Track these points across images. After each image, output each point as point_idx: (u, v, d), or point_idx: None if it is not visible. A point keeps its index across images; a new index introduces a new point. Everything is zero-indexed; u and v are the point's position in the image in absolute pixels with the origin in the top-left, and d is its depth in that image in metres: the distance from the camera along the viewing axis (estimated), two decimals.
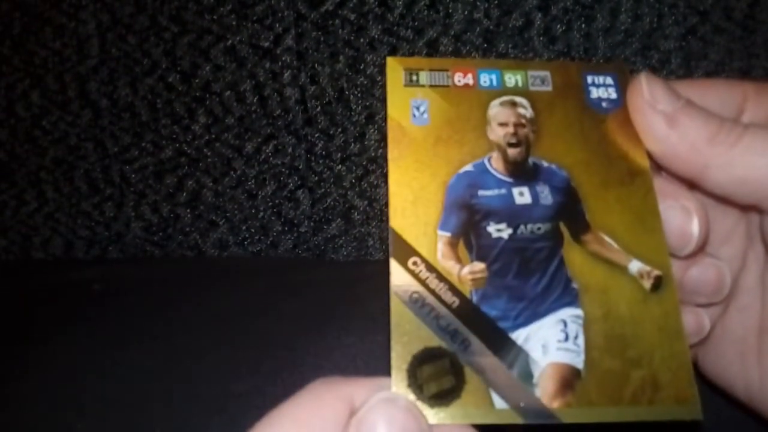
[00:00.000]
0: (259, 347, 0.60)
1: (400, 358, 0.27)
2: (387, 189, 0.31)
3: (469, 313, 0.29)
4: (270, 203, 0.76)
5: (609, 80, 0.34)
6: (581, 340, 0.29)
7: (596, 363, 0.28)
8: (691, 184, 0.32)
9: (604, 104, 0.33)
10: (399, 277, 0.29)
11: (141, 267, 0.77)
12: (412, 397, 0.26)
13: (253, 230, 0.77)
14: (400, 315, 0.28)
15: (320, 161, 0.74)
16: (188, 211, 0.77)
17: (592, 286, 0.30)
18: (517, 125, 0.33)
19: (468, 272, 0.30)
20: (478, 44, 0.71)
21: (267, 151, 0.74)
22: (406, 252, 0.30)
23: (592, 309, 0.29)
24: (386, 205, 0.32)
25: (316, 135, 0.73)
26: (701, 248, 0.31)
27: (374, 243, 0.76)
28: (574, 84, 0.34)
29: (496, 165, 0.33)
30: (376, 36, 0.69)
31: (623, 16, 0.69)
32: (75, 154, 0.76)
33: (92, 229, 0.78)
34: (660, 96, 0.30)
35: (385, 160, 0.33)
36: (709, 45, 0.69)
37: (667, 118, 0.30)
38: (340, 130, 0.73)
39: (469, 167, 0.32)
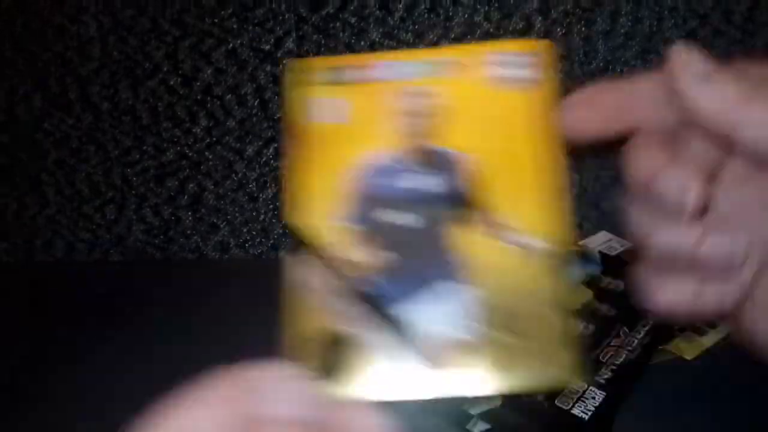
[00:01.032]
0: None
1: (295, 340, 0.29)
2: (287, 185, 0.32)
3: (367, 297, 0.30)
4: (271, 206, 0.76)
5: (517, 59, 0.33)
6: (475, 317, 0.30)
7: (483, 334, 0.30)
8: (727, 146, 0.31)
9: (512, 83, 0.33)
10: (295, 269, 0.30)
11: (142, 269, 0.77)
12: (318, 376, 0.27)
13: (254, 233, 0.78)
14: (295, 303, 0.30)
15: None
16: (189, 213, 0.77)
17: (483, 263, 0.31)
18: (422, 115, 0.32)
19: (369, 258, 0.31)
20: None
21: (268, 153, 0.74)
22: (304, 245, 0.31)
23: (485, 287, 0.31)
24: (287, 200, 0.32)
25: None
26: (697, 214, 0.31)
27: None
28: (481, 66, 0.33)
29: (400, 155, 0.33)
30: (377, 39, 0.70)
31: (623, 20, 0.69)
32: (76, 157, 0.76)
33: (94, 231, 0.79)
34: (695, 58, 0.31)
35: (288, 157, 0.33)
36: (709, 48, 0.69)
37: (704, 75, 0.30)
38: None
39: (372, 159, 0.32)
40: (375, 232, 0.32)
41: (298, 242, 0.31)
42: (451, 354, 0.30)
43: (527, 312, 0.30)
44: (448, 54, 0.33)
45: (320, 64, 0.33)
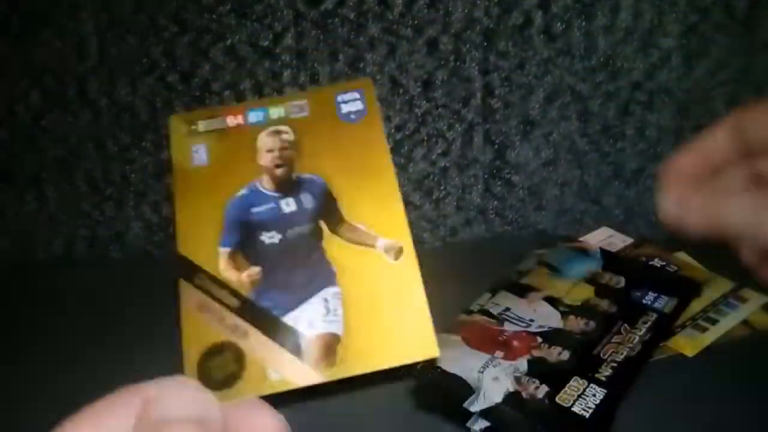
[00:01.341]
0: None
1: (190, 355, 0.34)
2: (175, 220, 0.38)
3: (248, 309, 0.36)
4: None
5: (356, 95, 0.40)
6: (340, 312, 0.36)
7: (352, 328, 0.35)
8: None
9: (353, 116, 0.40)
10: (187, 292, 0.36)
11: (142, 266, 0.77)
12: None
13: None
14: (189, 322, 0.35)
15: None
16: None
17: (347, 267, 0.37)
18: (281, 149, 0.40)
19: (246, 276, 0.37)
20: (478, 43, 0.70)
21: None
22: (193, 270, 0.37)
23: (347, 285, 0.37)
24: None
25: None
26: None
27: None
28: (327, 105, 0.41)
29: (266, 185, 0.40)
30: (376, 35, 0.69)
31: (623, 14, 0.69)
32: (75, 154, 0.76)
33: (93, 228, 0.78)
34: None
35: (172, 198, 0.39)
36: (710, 43, 0.69)
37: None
38: None
39: (243, 191, 0.39)
40: (251, 253, 0.38)
41: (188, 269, 0.37)
42: (323, 346, 0.36)
43: (385, 301, 0.36)
44: (301, 98, 0.41)
45: (198, 116, 0.41)
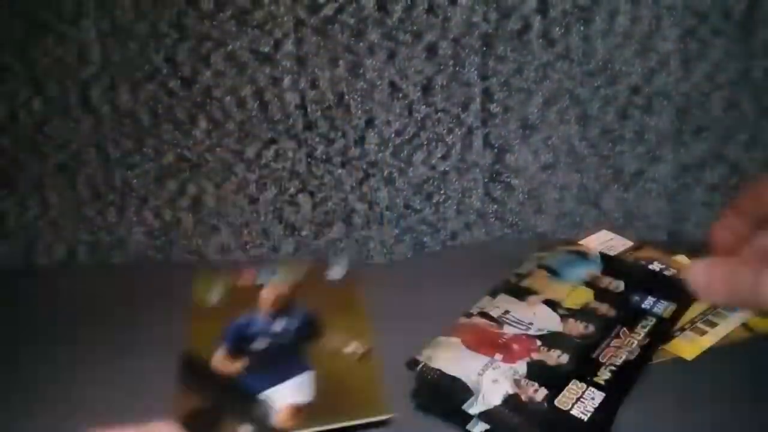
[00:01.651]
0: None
1: (179, 414, 0.49)
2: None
3: (234, 387, 0.56)
4: (271, 207, 0.76)
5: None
6: (311, 388, 0.55)
7: (319, 397, 0.53)
8: None
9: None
10: (192, 377, 0.57)
11: (143, 272, 0.78)
12: None
13: (254, 234, 0.78)
14: (185, 391, 0.54)
15: (320, 165, 0.74)
16: (190, 215, 0.77)
17: (320, 360, 0.57)
18: (278, 297, 0.65)
19: (237, 367, 0.58)
20: (477, 48, 0.71)
21: (268, 155, 0.74)
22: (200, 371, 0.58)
23: (319, 369, 0.56)
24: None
25: (317, 139, 0.73)
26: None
27: (375, 246, 0.76)
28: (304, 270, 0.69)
29: (262, 313, 0.63)
30: (376, 40, 0.70)
31: (621, 18, 0.69)
32: (77, 160, 0.76)
33: (95, 234, 0.79)
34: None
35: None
36: (708, 46, 0.69)
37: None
38: (340, 134, 0.73)
39: (245, 317, 0.63)
40: (244, 354, 0.59)
41: (195, 373, 0.57)
42: (293, 410, 0.53)
43: (352, 383, 0.55)
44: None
45: (215, 275, 0.65)
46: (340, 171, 0.74)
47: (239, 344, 0.60)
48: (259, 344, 0.60)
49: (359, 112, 0.72)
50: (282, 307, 0.64)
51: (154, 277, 0.76)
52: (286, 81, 0.71)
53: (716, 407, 0.51)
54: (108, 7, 0.71)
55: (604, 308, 0.60)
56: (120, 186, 0.77)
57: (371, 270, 0.75)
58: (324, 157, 0.74)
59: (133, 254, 0.79)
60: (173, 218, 0.77)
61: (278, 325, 0.62)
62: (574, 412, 0.49)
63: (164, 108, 0.74)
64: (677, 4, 0.68)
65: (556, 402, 0.50)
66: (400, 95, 0.72)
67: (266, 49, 0.71)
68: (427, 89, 0.72)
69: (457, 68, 0.71)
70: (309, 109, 0.72)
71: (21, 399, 0.60)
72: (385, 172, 0.74)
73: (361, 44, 0.70)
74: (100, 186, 0.77)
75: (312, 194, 0.75)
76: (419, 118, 0.73)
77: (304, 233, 0.77)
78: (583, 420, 0.49)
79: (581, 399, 0.50)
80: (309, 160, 0.74)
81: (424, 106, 0.73)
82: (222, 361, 0.59)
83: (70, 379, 0.62)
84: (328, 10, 0.69)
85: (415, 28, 0.70)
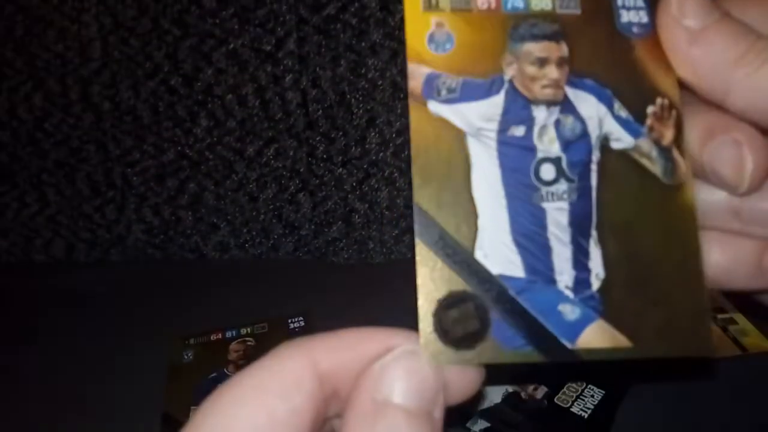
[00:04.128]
0: None
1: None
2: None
3: None
4: (271, 206, 0.76)
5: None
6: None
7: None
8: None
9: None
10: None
11: (142, 269, 0.77)
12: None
13: (254, 233, 0.78)
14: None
15: (321, 164, 0.74)
16: (189, 213, 0.77)
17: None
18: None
19: None
20: None
21: (268, 154, 0.74)
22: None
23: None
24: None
25: (317, 138, 0.73)
26: (758, 184, 0.28)
27: (375, 246, 0.76)
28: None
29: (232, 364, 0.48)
30: (378, 40, 0.70)
31: None
32: (77, 157, 0.76)
33: (94, 231, 0.79)
34: (689, 10, 0.28)
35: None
36: None
37: (691, 35, 0.27)
38: (341, 133, 0.73)
39: (213, 374, 0.47)
40: None
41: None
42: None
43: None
44: None
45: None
46: (340, 170, 0.74)
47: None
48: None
49: (360, 111, 0.72)
50: (248, 361, 0.60)
51: (153, 275, 0.76)
52: (288, 79, 0.71)
53: (716, 405, 0.51)
54: (110, 3, 0.71)
55: None
56: (120, 183, 0.77)
57: (371, 270, 0.75)
58: (324, 156, 0.74)
59: (131, 251, 0.79)
60: (173, 216, 0.77)
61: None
62: (574, 409, 0.49)
63: (165, 105, 0.74)
64: None
65: (556, 399, 0.50)
66: (402, 95, 0.72)
67: (268, 48, 0.71)
68: None
69: None
70: (310, 108, 0.72)
71: (18, 395, 0.60)
72: (386, 172, 0.74)
73: (363, 44, 0.70)
74: (100, 183, 0.77)
75: (312, 193, 0.75)
76: None
77: (303, 232, 0.77)
78: (583, 417, 0.49)
79: (581, 396, 0.50)
80: (309, 159, 0.74)
81: None
82: None
83: (67, 376, 0.61)
84: (330, 9, 0.69)
85: None
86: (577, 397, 0.50)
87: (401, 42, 0.70)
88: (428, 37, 0.30)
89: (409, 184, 0.74)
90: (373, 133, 0.73)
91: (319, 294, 0.69)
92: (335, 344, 0.25)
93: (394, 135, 0.73)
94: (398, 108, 0.72)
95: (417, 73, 0.29)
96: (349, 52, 0.70)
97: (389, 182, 0.75)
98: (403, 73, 0.71)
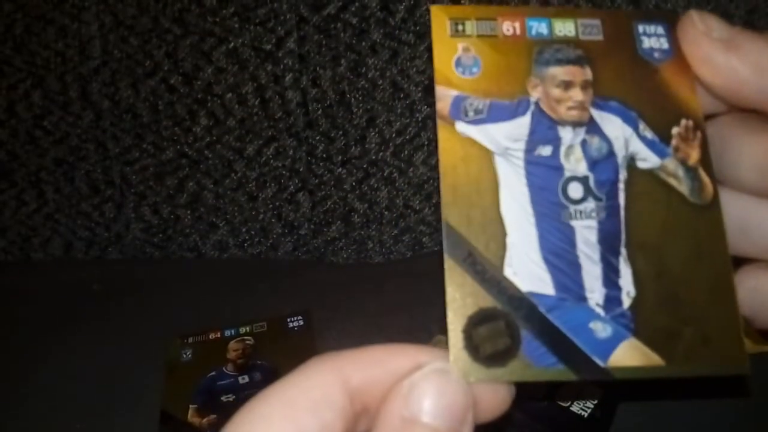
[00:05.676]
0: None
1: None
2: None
3: None
4: (270, 205, 0.76)
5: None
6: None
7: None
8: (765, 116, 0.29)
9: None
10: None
11: (140, 268, 0.77)
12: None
13: (253, 232, 0.78)
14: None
15: (321, 164, 0.74)
16: (188, 212, 0.77)
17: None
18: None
19: (208, 420, 0.52)
20: None
21: (268, 153, 0.74)
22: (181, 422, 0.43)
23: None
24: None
25: (317, 138, 0.73)
26: None
27: (374, 246, 0.76)
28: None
29: (229, 370, 0.57)
30: (378, 40, 0.70)
31: None
32: (76, 155, 0.76)
33: (92, 229, 0.78)
34: (714, 25, 0.29)
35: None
36: None
37: (725, 45, 0.28)
38: (340, 133, 0.73)
39: (212, 373, 0.52)
40: (214, 409, 0.57)
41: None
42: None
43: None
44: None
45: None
46: (340, 170, 0.74)
47: (209, 399, 0.60)
48: (228, 398, 0.59)
49: (360, 111, 0.72)
50: (247, 360, 0.62)
51: (151, 274, 0.76)
52: (288, 79, 0.71)
53: (717, 404, 0.51)
54: (110, 2, 0.71)
55: None
56: (118, 181, 0.77)
57: (370, 269, 0.75)
58: (324, 155, 0.74)
59: (130, 250, 0.79)
60: (171, 215, 0.77)
61: (244, 378, 0.61)
62: (573, 408, 0.49)
63: (165, 104, 0.73)
64: (678, 8, 0.69)
65: (555, 398, 0.50)
66: (402, 95, 0.72)
67: (268, 47, 0.71)
68: (428, 90, 0.72)
69: None
70: (310, 108, 0.72)
71: (17, 394, 0.60)
72: (386, 172, 0.74)
73: (363, 43, 0.70)
74: (99, 181, 0.77)
75: (311, 193, 0.75)
76: (420, 119, 0.73)
77: (302, 232, 0.77)
78: (582, 416, 0.49)
79: (581, 395, 0.50)
80: (309, 158, 0.74)
81: (425, 107, 0.73)
82: (193, 417, 0.58)
83: (66, 375, 0.61)
84: (331, 9, 0.69)
85: (417, 28, 0.70)
86: (577, 396, 0.50)
87: (401, 42, 0.70)
88: (455, 61, 0.31)
89: (409, 184, 0.75)
90: (372, 133, 0.73)
91: (318, 293, 0.69)
92: (365, 360, 0.25)
93: (393, 135, 0.73)
94: (398, 108, 0.72)
95: (444, 95, 0.30)
96: (349, 51, 0.70)
97: (389, 182, 0.75)
98: (403, 73, 0.71)
